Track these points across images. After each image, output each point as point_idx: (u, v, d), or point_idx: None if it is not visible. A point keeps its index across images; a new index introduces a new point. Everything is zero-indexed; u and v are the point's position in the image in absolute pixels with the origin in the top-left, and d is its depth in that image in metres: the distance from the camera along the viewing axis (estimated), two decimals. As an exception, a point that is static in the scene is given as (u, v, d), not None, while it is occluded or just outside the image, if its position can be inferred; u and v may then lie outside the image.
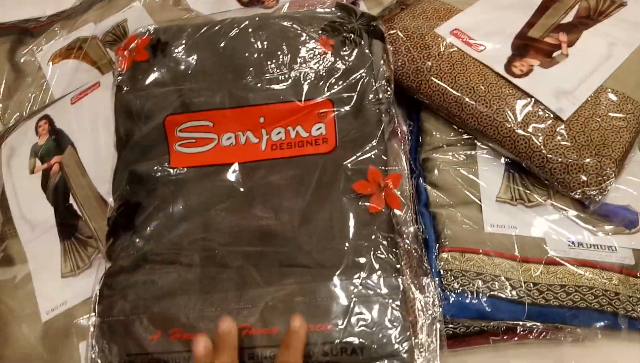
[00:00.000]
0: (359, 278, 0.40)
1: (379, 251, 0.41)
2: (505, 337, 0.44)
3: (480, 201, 0.48)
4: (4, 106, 0.65)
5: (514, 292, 0.43)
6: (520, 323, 0.43)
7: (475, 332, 0.44)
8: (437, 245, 0.46)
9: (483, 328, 0.44)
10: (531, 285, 0.44)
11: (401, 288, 0.40)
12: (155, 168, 0.47)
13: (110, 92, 0.52)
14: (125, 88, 0.50)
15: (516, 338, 0.44)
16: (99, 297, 0.43)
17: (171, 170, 0.47)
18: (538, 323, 0.43)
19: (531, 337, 0.44)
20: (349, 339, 0.38)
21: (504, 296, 0.43)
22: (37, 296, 0.49)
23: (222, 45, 0.50)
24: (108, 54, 0.65)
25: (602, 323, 0.43)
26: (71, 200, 0.53)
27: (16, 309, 0.49)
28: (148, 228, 0.45)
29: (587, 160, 0.46)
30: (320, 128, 0.47)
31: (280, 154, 0.46)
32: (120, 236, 0.46)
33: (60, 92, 0.63)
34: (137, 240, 0.45)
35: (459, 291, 0.43)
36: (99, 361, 0.41)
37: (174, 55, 0.50)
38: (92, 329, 0.43)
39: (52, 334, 0.47)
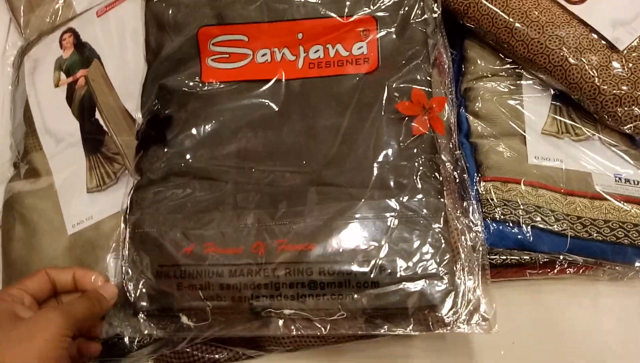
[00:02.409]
0: (400, 198, 0.39)
1: (422, 173, 0.40)
2: (541, 271, 0.43)
3: (525, 133, 0.46)
4: (25, 20, 0.62)
5: (557, 224, 0.41)
6: (561, 257, 0.41)
7: (512, 264, 0.43)
8: (478, 174, 0.44)
9: (521, 261, 0.43)
10: (575, 218, 0.42)
11: (443, 210, 0.39)
12: (187, 81, 0.45)
13: (138, 4, 0.50)
14: None
15: (554, 273, 0.43)
16: (129, 209, 0.43)
17: (203, 85, 0.45)
18: (578, 258, 0.42)
19: (569, 272, 0.43)
20: (389, 257, 0.37)
21: (546, 227, 0.41)
22: (62, 210, 0.49)
23: None
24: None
25: (644, 261, 0.42)
26: (97, 115, 0.51)
27: (43, 220, 0.49)
28: (180, 142, 0.44)
29: (643, 93, 0.44)
30: (361, 47, 0.44)
31: (318, 73, 0.44)
32: (150, 149, 0.44)
33: (84, 9, 0.61)
34: (169, 154, 0.43)
35: (500, 220, 0.41)
36: (130, 271, 0.40)
37: None
38: (122, 241, 0.42)
39: (78, 246, 0.47)
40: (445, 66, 0.53)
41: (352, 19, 0.44)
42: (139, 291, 0.39)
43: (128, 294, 0.40)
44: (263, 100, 0.44)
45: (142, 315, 0.40)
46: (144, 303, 0.39)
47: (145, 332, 0.40)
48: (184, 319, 0.39)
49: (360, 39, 0.44)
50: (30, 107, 0.54)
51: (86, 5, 0.61)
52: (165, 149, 0.43)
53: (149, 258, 0.40)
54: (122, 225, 0.42)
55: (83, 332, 0.39)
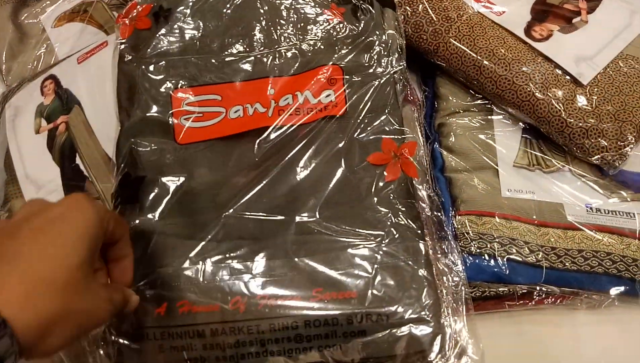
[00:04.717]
0: (380, 245, 0.39)
1: (399, 218, 0.40)
2: (520, 302, 0.43)
3: (497, 166, 0.47)
4: (7, 67, 0.63)
5: (532, 256, 0.42)
6: (537, 287, 0.42)
7: (491, 296, 0.43)
8: (453, 209, 0.45)
9: (499, 292, 0.43)
10: (549, 249, 0.43)
11: (423, 253, 0.39)
12: (160, 141, 0.44)
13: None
14: (127, 57, 0.47)
15: (532, 303, 0.43)
16: None
17: (177, 145, 0.44)
18: (555, 288, 0.42)
19: (547, 302, 0.43)
20: (373, 306, 0.37)
21: (521, 259, 0.42)
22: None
23: (227, 12, 0.48)
24: (114, 17, 0.64)
25: (619, 289, 0.42)
26: (78, 160, 0.51)
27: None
28: (156, 204, 0.42)
29: (607, 125, 0.45)
30: (329, 95, 0.45)
31: (288, 121, 0.44)
32: (126, 211, 0.42)
33: (65, 55, 0.62)
34: (145, 216, 0.42)
35: (476, 253, 0.42)
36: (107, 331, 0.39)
37: (178, 23, 0.48)
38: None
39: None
40: (420, 102, 0.55)
41: (320, 69, 0.46)
42: (118, 353, 0.38)
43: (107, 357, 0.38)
44: (239, 154, 0.44)
45: None
46: None
47: None
48: None
49: (328, 87, 0.45)
50: (11, 154, 0.55)
51: (68, 50, 0.62)
52: (140, 212, 0.42)
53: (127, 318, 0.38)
54: None
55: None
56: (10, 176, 0.54)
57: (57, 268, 0.28)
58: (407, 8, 0.50)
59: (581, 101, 0.47)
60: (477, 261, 0.42)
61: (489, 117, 0.50)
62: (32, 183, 0.52)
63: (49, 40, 0.64)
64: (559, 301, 0.43)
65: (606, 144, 0.45)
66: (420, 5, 0.51)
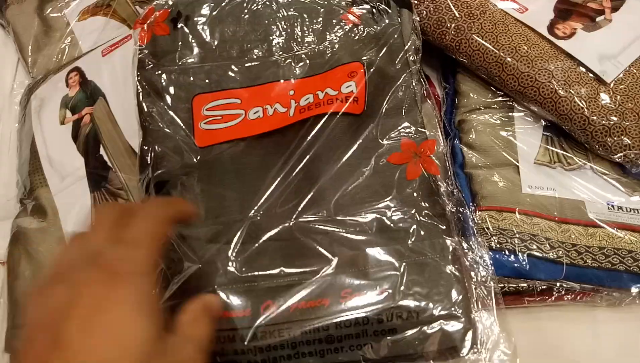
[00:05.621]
0: (407, 243, 0.39)
1: (423, 215, 0.40)
2: (540, 298, 0.43)
3: (518, 163, 0.47)
4: (33, 59, 0.64)
5: (552, 252, 0.42)
6: (557, 284, 0.42)
7: (510, 292, 0.43)
8: (474, 204, 0.45)
9: (518, 288, 0.43)
10: (569, 245, 0.43)
11: (450, 249, 0.39)
12: (181, 146, 0.44)
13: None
14: (148, 65, 0.48)
15: (552, 300, 0.43)
16: None
17: (197, 148, 0.44)
18: (575, 284, 0.42)
19: (567, 298, 0.43)
20: (403, 303, 0.37)
21: (542, 255, 0.42)
22: (67, 245, 0.49)
23: (245, 18, 0.49)
24: (137, 13, 0.65)
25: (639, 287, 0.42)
26: (102, 151, 0.52)
27: (49, 256, 0.49)
28: None
29: (631, 123, 0.45)
30: (350, 86, 0.45)
31: (309, 114, 0.44)
32: None
33: (89, 48, 0.63)
34: None
35: (496, 248, 0.42)
36: None
37: (197, 29, 0.48)
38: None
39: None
40: (440, 99, 0.55)
41: (340, 68, 0.46)
42: None
43: None
44: (260, 152, 0.44)
45: None
46: None
47: None
48: None
49: (349, 79, 0.45)
50: (37, 144, 0.56)
51: (91, 44, 0.63)
52: None
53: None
54: None
55: None
56: (35, 166, 0.55)
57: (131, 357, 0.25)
58: (430, 5, 0.50)
59: (604, 98, 0.46)
60: (497, 256, 0.42)
61: (510, 114, 0.50)
62: (56, 172, 0.53)
63: (73, 33, 0.65)
64: (578, 297, 0.43)
65: (629, 142, 0.45)
66: (443, 2, 0.51)
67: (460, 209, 0.44)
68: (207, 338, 0.30)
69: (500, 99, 0.51)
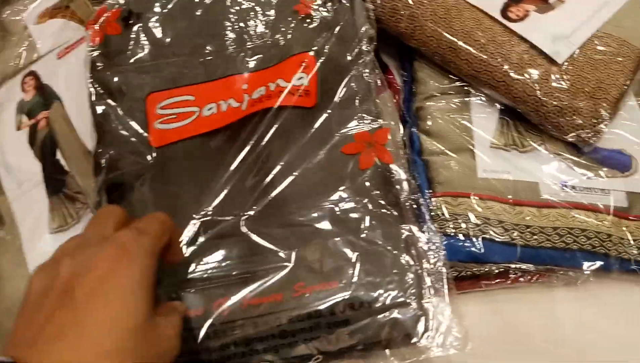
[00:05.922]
0: (359, 233, 0.39)
1: (376, 205, 0.40)
2: (496, 281, 0.44)
3: (474, 148, 0.47)
4: (-11, 65, 0.63)
5: (506, 234, 0.43)
6: (513, 266, 0.43)
7: (467, 276, 0.44)
8: (430, 191, 0.46)
9: (475, 272, 0.43)
10: (524, 227, 0.43)
11: (403, 237, 0.39)
12: (136, 147, 0.44)
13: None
14: (99, 65, 0.47)
15: (509, 282, 0.44)
16: None
17: (152, 148, 0.44)
18: (530, 266, 0.43)
19: (523, 280, 0.44)
20: (355, 294, 0.37)
21: (496, 238, 0.42)
22: (26, 253, 0.49)
23: (197, 14, 0.48)
24: (96, 12, 0.64)
25: (594, 265, 0.43)
26: (58, 155, 0.52)
27: (6, 266, 0.49)
28: (134, 210, 0.42)
29: (583, 103, 0.45)
30: (301, 78, 0.45)
31: (260, 107, 0.44)
32: None
33: (47, 51, 0.62)
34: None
35: (451, 234, 0.43)
36: None
37: (149, 27, 0.48)
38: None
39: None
40: (398, 88, 0.55)
41: (292, 59, 0.46)
42: None
43: None
44: (214, 148, 0.44)
45: None
46: None
47: None
48: None
49: (299, 70, 0.45)
50: (-6, 151, 0.55)
51: (49, 47, 0.62)
52: None
53: None
54: None
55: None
56: (-7, 173, 0.54)
57: (125, 332, 0.28)
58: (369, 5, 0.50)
59: (556, 79, 0.47)
60: (452, 241, 0.42)
61: (467, 99, 0.50)
62: (13, 179, 0.53)
63: (31, 37, 0.64)
64: (535, 279, 0.44)
65: (581, 121, 0.45)
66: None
67: (416, 197, 0.44)
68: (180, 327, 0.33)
69: (456, 84, 0.51)
